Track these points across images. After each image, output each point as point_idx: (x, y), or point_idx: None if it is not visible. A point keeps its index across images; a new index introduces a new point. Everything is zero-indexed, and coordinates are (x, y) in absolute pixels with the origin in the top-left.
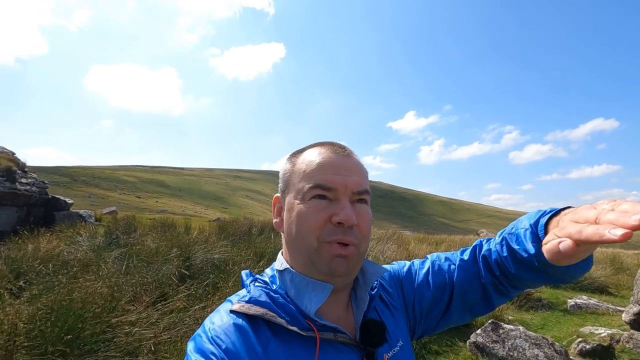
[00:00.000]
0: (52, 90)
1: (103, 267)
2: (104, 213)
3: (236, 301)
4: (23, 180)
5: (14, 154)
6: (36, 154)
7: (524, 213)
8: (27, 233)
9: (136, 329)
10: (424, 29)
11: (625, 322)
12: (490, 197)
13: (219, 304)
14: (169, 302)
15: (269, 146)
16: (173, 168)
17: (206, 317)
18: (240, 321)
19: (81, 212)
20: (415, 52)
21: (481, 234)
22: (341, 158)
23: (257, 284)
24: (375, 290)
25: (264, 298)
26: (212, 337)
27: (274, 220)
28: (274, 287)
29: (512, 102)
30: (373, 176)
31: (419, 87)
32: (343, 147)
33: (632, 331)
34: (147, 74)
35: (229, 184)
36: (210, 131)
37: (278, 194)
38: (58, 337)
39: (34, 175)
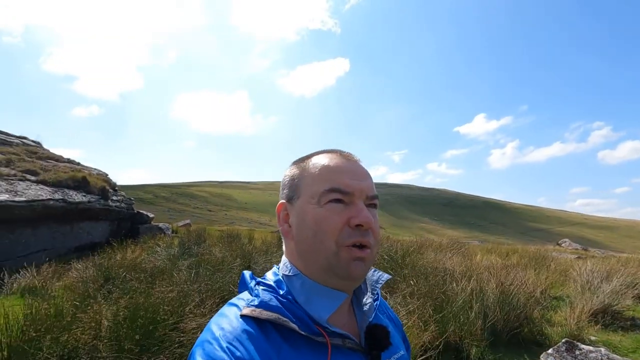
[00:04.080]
0: (146, 118)
1: (176, 275)
2: (179, 225)
3: (245, 305)
4: (114, 197)
5: (107, 175)
6: (131, 174)
7: (618, 220)
8: (117, 244)
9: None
10: (491, 29)
11: None
12: (576, 202)
13: None
14: None
15: None
16: (239, 182)
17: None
18: (251, 327)
19: (160, 225)
20: (482, 54)
21: (563, 244)
22: (353, 163)
23: (262, 287)
24: (379, 296)
25: (274, 302)
26: (223, 344)
27: (281, 228)
28: (281, 292)
29: (599, 98)
30: (437, 183)
31: (489, 90)
32: (351, 154)
33: None
34: (224, 99)
35: None
36: (277, 147)
37: (283, 201)
38: (131, 336)
39: (123, 193)
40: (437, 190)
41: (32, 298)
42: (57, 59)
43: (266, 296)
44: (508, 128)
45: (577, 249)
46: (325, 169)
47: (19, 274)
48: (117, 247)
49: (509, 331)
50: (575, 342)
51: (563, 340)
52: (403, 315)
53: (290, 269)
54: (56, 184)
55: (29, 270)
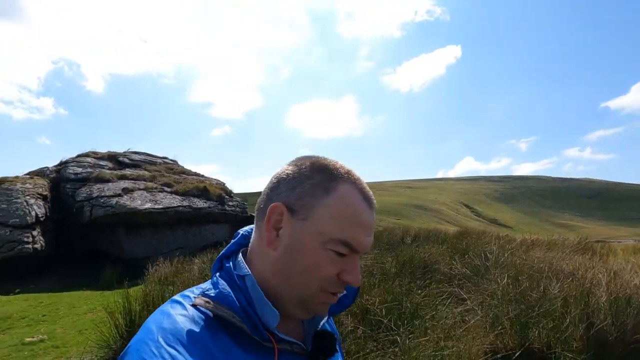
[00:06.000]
0: (266, 131)
1: None
2: None
3: (199, 294)
4: (230, 203)
5: (224, 184)
6: (255, 182)
7: None
8: None
9: None
10: None
11: None
12: None
13: None
14: None
15: (444, 152)
16: None
17: None
18: (197, 326)
19: None
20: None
21: None
22: (372, 214)
23: (223, 274)
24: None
25: (232, 298)
26: (162, 349)
27: (267, 234)
28: (240, 288)
29: None
30: (578, 172)
31: None
32: (373, 198)
33: None
34: (331, 105)
35: (400, 195)
36: (386, 146)
37: (278, 203)
38: None
39: (238, 199)
40: (578, 180)
41: (147, 286)
42: (198, 90)
43: (225, 288)
44: None
45: None
46: (349, 215)
47: (159, 266)
48: None
49: (626, 344)
50: None
51: None
52: (478, 317)
53: (242, 268)
54: (184, 194)
55: (165, 264)
